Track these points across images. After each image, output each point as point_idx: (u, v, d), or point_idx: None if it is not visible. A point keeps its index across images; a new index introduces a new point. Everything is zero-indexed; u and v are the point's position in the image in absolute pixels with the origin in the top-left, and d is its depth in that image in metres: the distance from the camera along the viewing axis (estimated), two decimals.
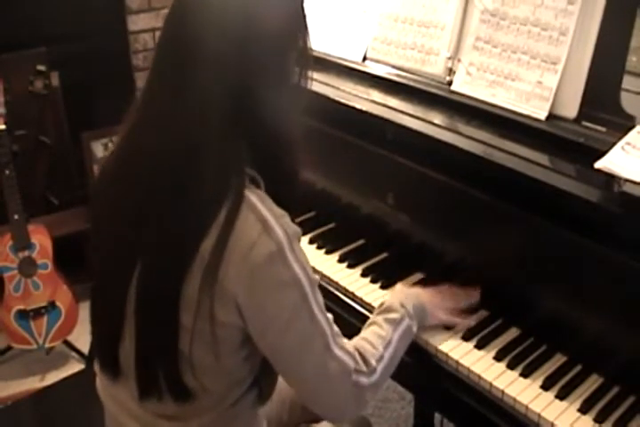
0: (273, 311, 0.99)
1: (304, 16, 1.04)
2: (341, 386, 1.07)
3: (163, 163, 0.99)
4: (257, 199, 0.98)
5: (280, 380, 1.34)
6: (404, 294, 1.28)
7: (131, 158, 1.04)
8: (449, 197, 1.34)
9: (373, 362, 1.11)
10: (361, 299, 1.41)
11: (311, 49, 1.07)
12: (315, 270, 1.48)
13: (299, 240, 1.01)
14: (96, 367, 1.18)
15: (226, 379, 1.07)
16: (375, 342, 1.15)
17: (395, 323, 1.19)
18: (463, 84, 1.44)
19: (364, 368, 1.09)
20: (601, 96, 1.26)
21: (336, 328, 1.07)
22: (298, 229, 1.02)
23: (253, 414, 1.18)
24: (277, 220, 0.98)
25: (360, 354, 1.10)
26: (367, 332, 1.18)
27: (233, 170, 0.98)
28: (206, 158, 0.97)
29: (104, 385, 1.19)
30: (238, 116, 0.98)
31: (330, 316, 1.06)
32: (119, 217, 1.05)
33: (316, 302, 1.03)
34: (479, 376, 1.21)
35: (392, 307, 1.22)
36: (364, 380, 1.08)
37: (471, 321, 1.31)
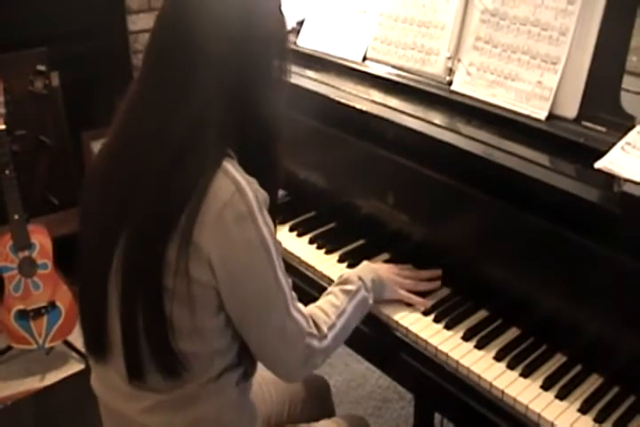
0: (241, 271, 1.05)
1: (282, 13, 1.10)
2: (295, 346, 1.13)
3: (153, 147, 1.04)
4: (230, 166, 1.04)
5: (280, 381, 1.34)
6: (364, 268, 1.35)
7: (124, 144, 1.09)
8: (449, 197, 1.34)
9: (325, 328, 1.17)
10: None
11: (290, 43, 1.16)
12: (315, 270, 1.50)
13: (266, 206, 1.06)
14: (85, 351, 1.20)
15: (204, 345, 1.10)
16: (328, 310, 1.21)
17: (350, 294, 1.26)
18: (463, 84, 1.44)
19: (315, 332, 1.15)
20: (601, 96, 1.26)
21: (294, 293, 1.13)
22: (266, 195, 1.07)
23: (241, 394, 1.20)
24: (249, 184, 1.03)
25: (313, 320, 1.16)
26: (322, 301, 1.25)
27: (216, 149, 1.04)
28: (193, 153, 1.02)
29: (95, 370, 1.22)
30: (230, 109, 1.03)
31: (289, 280, 1.12)
32: (107, 194, 1.10)
33: (280, 264, 1.08)
34: (479, 376, 1.21)
35: (349, 279, 1.29)
36: (315, 343, 1.15)
37: (427, 302, 1.36)
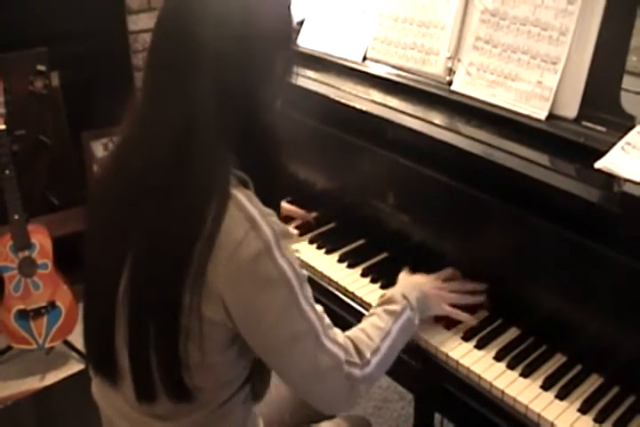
0: (261, 309, 0.99)
1: (291, 13, 1.06)
2: (333, 379, 1.05)
3: (154, 162, 0.99)
4: (244, 198, 0.98)
5: (282, 383, 1.34)
6: (407, 284, 1.28)
7: (126, 159, 1.05)
8: (449, 197, 1.34)
9: (368, 354, 1.10)
10: (361, 299, 1.40)
11: (297, 44, 1.10)
12: (315, 270, 1.49)
13: (287, 238, 1.01)
14: (91, 372, 1.18)
15: (214, 378, 1.07)
16: (372, 333, 1.14)
17: (395, 314, 1.18)
18: (463, 84, 1.44)
19: (356, 360, 1.08)
20: (601, 96, 1.26)
21: (327, 320, 1.06)
22: (285, 228, 1.02)
23: (246, 411, 1.18)
24: (265, 218, 0.98)
25: (354, 345, 1.09)
26: (366, 323, 1.17)
27: (218, 168, 0.98)
28: (194, 156, 0.97)
29: (99, 388, 1.19)
30: (231, 112, 1.00)
31: (320, 308, 1.06)
32: (111, 217, 1.05)
33: (305, 297, 1.02)
34: (479, 376, 1.21)
35: (393, 298, 1.21)
36: (356, 372, 1.07)
37: (474, 318, 1.30)
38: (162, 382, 1.03)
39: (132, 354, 1.04)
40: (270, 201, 1.03)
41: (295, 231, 1.56)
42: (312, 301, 1.04)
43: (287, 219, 1.60)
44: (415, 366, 1.29)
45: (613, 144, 1.14)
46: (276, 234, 0.98)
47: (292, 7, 1.06)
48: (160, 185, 0.99)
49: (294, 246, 1.51)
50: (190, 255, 0.95)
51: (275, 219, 1.00)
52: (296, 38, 1.10)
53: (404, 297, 1.22)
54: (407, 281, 1.31)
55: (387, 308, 1.20)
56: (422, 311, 1.24)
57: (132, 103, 1.06)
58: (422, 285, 1.28)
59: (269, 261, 0.97)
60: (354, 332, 1.14)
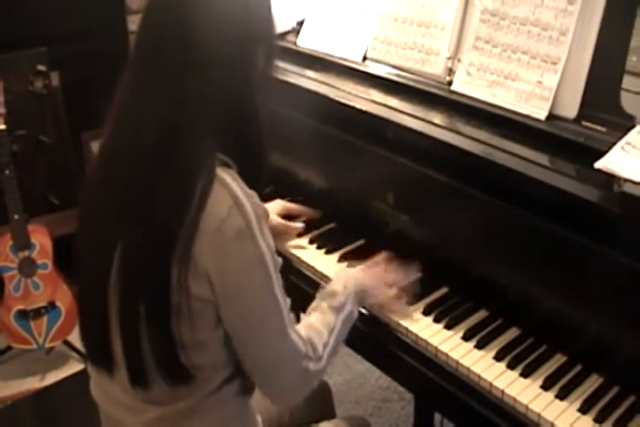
0: (239, 288, 1.04)
1: (272, 12, 1.10)
2: (291, 370, 1.11)
3: (142, 151, 1.03)
4: (229, 177, 1.02)
5: None
6: (346, 278, 1.33)
7: (115, 153, 1.08)
8: (449, 197, 1.34)
9: (320, 349, 1.15)
10: None
11: (276, 39, 1.15)
12: (315, 270, 1.49)
13: (266, 220, 1.05)
14: (88, 365, 1.20)
15: (207, 357, 1.09)
16: (321, 328, 1.19)
17: (338, 309, 1.24)
18: (463, 84, 1.44)
19: (312, 355, 1.13)
20: (601, 96, 1.26)
21: (291, 315, 1.11)
22: (266, 209, 1.06)
23: (242, 405, 1.20)
24: (248, 198, 1.02)
25: (309, 340, 1.14)
26: (313, 318, 1.22)
27: (204, 152, 1.02)
28: (182, 145, 1.01)
29: (96, 382, 1.21)
30: (217, 105, 1.03)
31: (288, 301, 1.10)
32: (101, 204, 1.08)
33: (279, 283, 1.07)
34: (479, 376, 1.21)
35: (335, 292, 1.27)
36: (312, 366, 1.12)
37: (409, 309, 1.36)
38: (157, 363, 1.06)
39: (124, 337, 1.07)
40: (253, 184, 1.06)
41: (300, 225, 1.58)
42: (283, 289, 1.08)
43: (292, 217, 1.61)
44: (415, 366, 1.29)
45: (613, 144, 1.14)
46: (257, 214, 1.02)
47: (271, 9, 1.09)
48: (148, 171, 1.02)
49: (295, 242, 1.57)
50: (177, 233, 0.99)
51: (257, 200, 1.04)
52: (276, 35, 1.14)
53: (345, 292, 1.27)
54: (346, 275, 1.35)
55: (330, 302, 1.25)
56: (360, 302, 1.30)
57: (115, 100, 1.08)
58: (359, 277, 1.34)
59: (251, 242, 1.01)
60: (305, 327, 1.18)
